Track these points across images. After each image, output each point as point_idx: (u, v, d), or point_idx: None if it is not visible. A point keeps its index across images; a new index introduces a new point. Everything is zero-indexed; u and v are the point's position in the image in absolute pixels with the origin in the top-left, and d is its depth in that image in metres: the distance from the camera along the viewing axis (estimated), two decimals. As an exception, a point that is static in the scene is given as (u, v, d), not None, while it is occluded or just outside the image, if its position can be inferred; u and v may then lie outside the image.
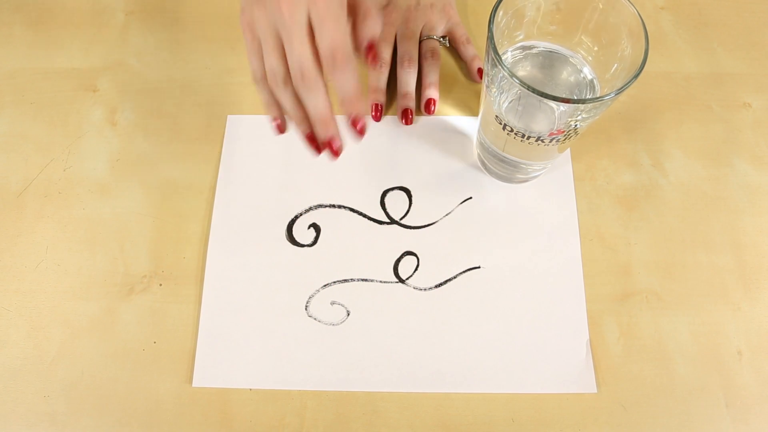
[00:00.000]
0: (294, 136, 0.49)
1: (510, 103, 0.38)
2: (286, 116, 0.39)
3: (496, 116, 0.39)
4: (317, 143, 0.37)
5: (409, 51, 0.49)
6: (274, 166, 0.48)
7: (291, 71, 0.34)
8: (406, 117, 0.49)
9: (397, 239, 0.46)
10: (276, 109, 0.38)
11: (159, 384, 0.42)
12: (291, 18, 0.33)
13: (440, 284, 0.44)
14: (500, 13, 0.36)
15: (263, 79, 0.36)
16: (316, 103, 0.35)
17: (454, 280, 0.44)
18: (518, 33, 0.40)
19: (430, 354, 0.42)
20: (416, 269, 0.45)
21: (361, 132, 0.36)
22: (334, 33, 0.33)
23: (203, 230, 0.46)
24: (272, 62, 0.35)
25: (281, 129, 0.39)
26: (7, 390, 0.42)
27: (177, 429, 0.40)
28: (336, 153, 0.36)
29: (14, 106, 0.51)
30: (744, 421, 0.40)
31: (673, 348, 0.42)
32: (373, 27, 0.36)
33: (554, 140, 0.38)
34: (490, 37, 0.34)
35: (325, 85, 0.34)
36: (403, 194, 0.47)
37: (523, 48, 0.41)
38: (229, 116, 0.50)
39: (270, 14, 0.34)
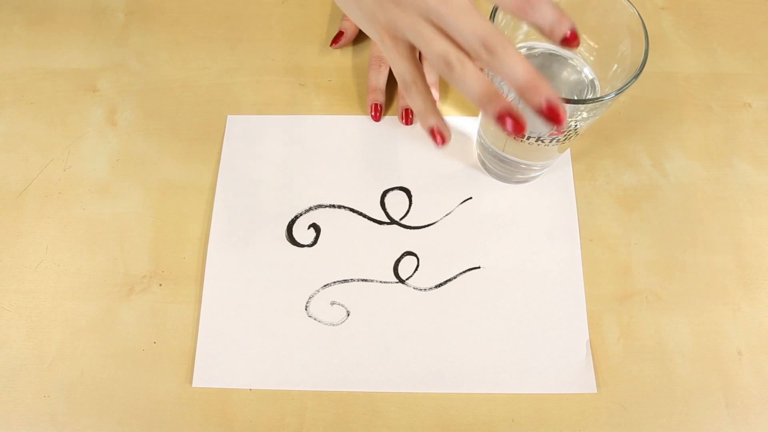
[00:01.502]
0: (293, 136, 0.49)
1: (510, 103, 0.38)
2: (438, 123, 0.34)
3: (496, 116, 0.39)
4: (520, 123, 0.30)
5: (409, 51, 0.49)
6: (274, 166, 0.48)
7: (471, 48, 0.30)
8: (407, 117, 0.49)
9: (397, 239, 0.46)
10: (436, 112, 0.34)
11: (159, 384, 0.42)
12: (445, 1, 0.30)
13: (440, 284, 0.44)
14: (500, 13, 0.36)
15: (418, 81, 0.33)
16: (516, 66, 0.29)
17: (454, 280, 0.44)
18: (518, 33, 0.40)
19: (430, 354, 0.42)
20: (416, 269, 0.45)
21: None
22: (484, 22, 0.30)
23: (203, 230, 0.46)
24: (441, 46, 0.31)
25: (444, 138, 0.34)
26: (7, 390, 0.42)
27: (177, 429, 0.41)
28: (561, 119, 0.29)
29: (14, 106, 0.51)
30: (744, 421, 0.40)
31: (673, 348, 0.42)
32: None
33: (554, 140, 0.38)
34: (490, 37, 0.34)
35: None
36: (403, 194, 0.47)
37: (523, 48, 0.41)
38: (229, 116, 0.50)
39: (415, 9, 0.31)
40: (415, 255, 0.45)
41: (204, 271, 0.45)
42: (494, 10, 0.35)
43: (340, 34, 0.52)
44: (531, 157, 0.43)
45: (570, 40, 0.30)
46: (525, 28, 0.39)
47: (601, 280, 0.44)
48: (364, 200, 0.47)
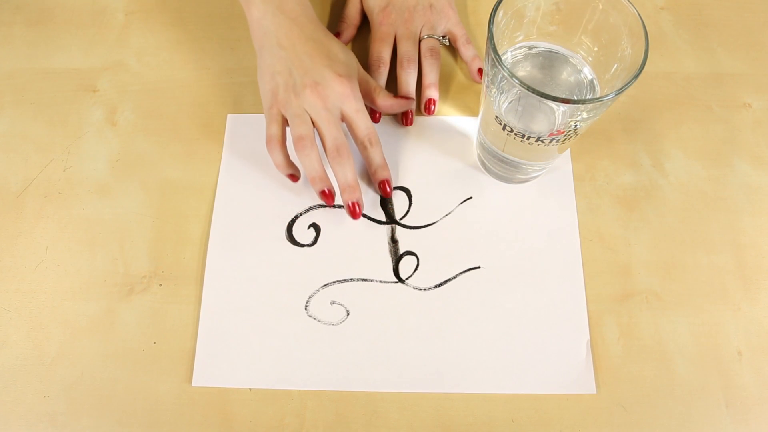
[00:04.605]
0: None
1: (510, 103, 0.38)
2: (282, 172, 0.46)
3: (496, 116, 0.39)
4: (330, 198, 0.45)
5: (408, 51, 0.49)
6: (274, 165, 0.48)
7: (327, 147, 0.43)
8: (407, 117, 0.49)
9: (398, 239, 0.46)
10: (290, 167, 0.45)
11: (159, 384, 0.42)
12: (326, 108, 0.43)
13: (440, 284, 0.44)
14: (500, 13, 0.36)
15: (280, 143, 0.44)
16: (346, 172, 0.44)
17: (454, 280, 0.44)
18: (518, 33, 0.40)
19: (430, 354, 0.42)
20: (416, 269, 0.45)
21: (386, 192, 0.46)
22: (368, 123, 0.45)
23: (203, 230, 0.46)
24: (303, 129, 0.43)
25: (297, 179, 0.46)
26: (7, 390, 0.42)
27: (177, 429, 0.41)
28: (357, 214, 0.45)
29: (14, 106, 0.51)
30: (744, 422, 0.40)
31: (673, 348, 0.42)
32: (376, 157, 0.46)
33: (554, 140, 0.38)
34: (490, 37, 0.34)
35: (352, 160, 0.44)
36: (403, 194, 0.47)
37: (523, 48, 0.41)
38: (229, 116, 0.50)
39: (303, 102, 0.43)
40: (415, 255, 0.45)
41: (204, 272, 0.45)
42: (494, 10, 0.35)
43: (336, 35, 0.52)
44: (531, 157, 0.43)
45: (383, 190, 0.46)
46: (523, 29, 0.39)
47: (601, 280, 0.44)
48: (364, 200, 0.47)
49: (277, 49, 0.44)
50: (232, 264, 0.45)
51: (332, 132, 0.43)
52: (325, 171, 0.44)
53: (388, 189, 0.46)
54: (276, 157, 0.44)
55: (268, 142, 0.44)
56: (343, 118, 0.44)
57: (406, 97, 0.48)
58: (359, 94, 0.44)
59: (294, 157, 0.46)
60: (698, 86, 0.51)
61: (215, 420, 0.41)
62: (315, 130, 0.44)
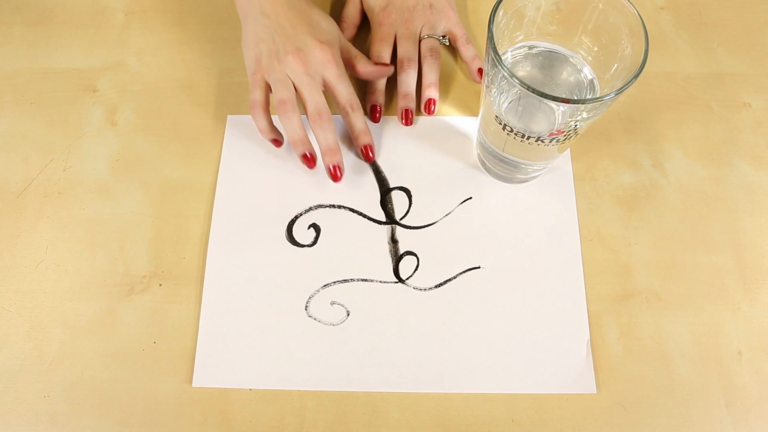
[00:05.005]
0: (294, 136, 0.49)
1: (510, 103, 0.38)
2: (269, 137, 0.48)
3: (496, 116, 0.39)
4: (312, 161, 0.46)
5: (408, 51, 0.49)
6: (274, 166, 0.48)
7: (308, 111, 0.44)
8: (407, 117, 0.49)
9: (398, 239, 0.46)
10: (273, 132, 0.47)
11: (159, 384, 0.42)
12: (308, 73, 0.44)
13: (440, 284, 0.44)
14: (500, 13, 0.36)
15: (263, 108, 0.45)
16: (327, 136, 0.45)
17: (454, 280, 0.44)
18: (518, 33, 0.40)
19: (430, 354, 0.42)
20: (416, 269, 0.45)
21: (368, 157, 0.47)
22: (349, 90, 0.46)
23: (203, 230, 0.46)
24: (285, 94, 0.44)
25: (280, 144, 0.48)
26: (7, 390, 0.42)
27: (177, 429, 0.41)
28: (338, 177, 0.46)
29: (14, 106, 0.51)
30: (744, 421, 0.40)
31: (673, 348, 0.42)
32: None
33: (554, 140, 0.38)
34: (490, 37, 0.34)
35: (333, 124, 0.45)
36: (403, 194, 0.47)
37: (523, 48, 0.41)
38: (229, 116, 0.50)
39: (286, 68, 0.44)
40: (415, 255, 0.45)
41: (204, 271, 0.45)
42: (494, 10, 0.35)
43: None
44: (531, 157, 0.43)
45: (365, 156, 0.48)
46: (523, 28, 0.39)
47: (601, 280, 0.44)
48: (364, 200, 0.47)
49: (261, 17, 0.45)
50: (232, 264, 0.45)
51: (314, 96, 0.44)
52: (306, 135, 0.45)
53: (370, 154, 0.47)
54: (259, 121, 0.46)
55: (252, 107, 0.45)
56: (325, 85, 0.45)
57: (385, 65, 0.49)
58: (341, 61, 0.46)
59: (278, 123, 0.47)
60: (698, 86, 0.51)
61: (215, 420, 0.41)
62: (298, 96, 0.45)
